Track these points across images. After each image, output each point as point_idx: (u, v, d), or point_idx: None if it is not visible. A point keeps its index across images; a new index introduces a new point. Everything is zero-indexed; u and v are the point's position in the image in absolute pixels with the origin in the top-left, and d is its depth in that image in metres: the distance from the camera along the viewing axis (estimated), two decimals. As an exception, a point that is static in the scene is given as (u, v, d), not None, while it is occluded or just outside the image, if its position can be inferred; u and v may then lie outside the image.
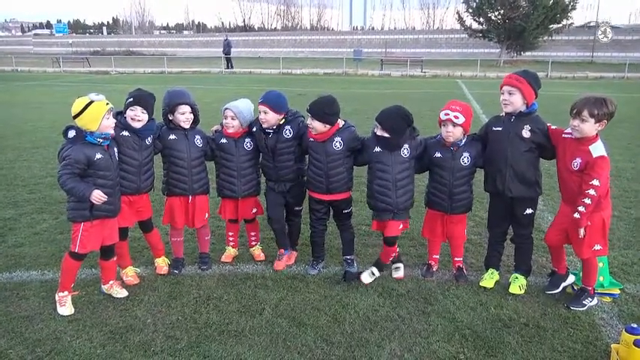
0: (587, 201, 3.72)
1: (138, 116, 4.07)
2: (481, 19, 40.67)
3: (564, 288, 4.27)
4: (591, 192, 3.71)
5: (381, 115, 4.17)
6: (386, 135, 4.13)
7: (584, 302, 4.03)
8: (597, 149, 3.75)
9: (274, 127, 4.40)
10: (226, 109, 4.49)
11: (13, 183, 7.42)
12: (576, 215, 3.78)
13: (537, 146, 4.08)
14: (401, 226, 4.39)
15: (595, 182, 3.70)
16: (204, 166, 4.56)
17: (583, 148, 3.78)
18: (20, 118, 13.59)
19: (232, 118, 4.47)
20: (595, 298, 4.09)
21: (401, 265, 4.63)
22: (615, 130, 10.90)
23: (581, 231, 3.82)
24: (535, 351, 3.48)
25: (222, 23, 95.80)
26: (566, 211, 4.04)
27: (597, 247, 3.91)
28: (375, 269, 4.48)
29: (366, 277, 4.41)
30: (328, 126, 4.24)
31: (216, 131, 4.64)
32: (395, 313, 3.95)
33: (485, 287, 4.35)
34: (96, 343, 3.53)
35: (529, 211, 4.25)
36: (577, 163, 3.80)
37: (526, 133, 4.04)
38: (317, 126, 4.22)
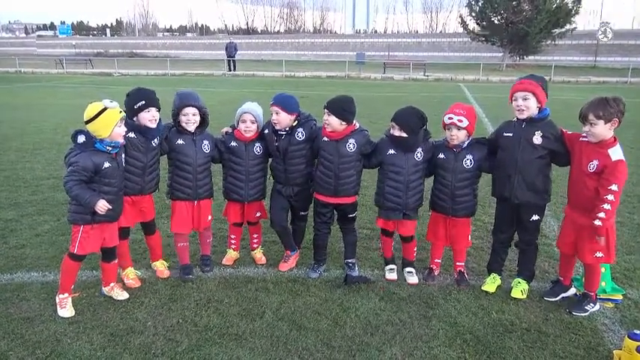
0: (607, 207, 3.66)
1: (155, 116, 4.09)
2: (484, 23, 40.65)
3: (562, 298, 4.25)
4: (610, 197, 3.65)
5: (397, 116, 4.23)
6: (404, 135, 4.17)
7: (586, 308, 4.01)
8: (616, 153, 3.70)
9: (287, 129, 4.40)
10: (245, 112, 4.46)
11: (15, 184, 7.42)
12: (597, 223, 3.69)
13: (549, 152, 4.04)
14: (415, 223, 4.55)
15: (614, 187, 3.65)
16: (209, 171, 4.55)
17: (601, 151, 3.73)
18: (23, 120, 13.61)
19: (252, 122, 4.46)
20: (597, 304, 4.07)
21: (394, 266, 4.66)
22: (618, 134, 10.87)
23: (602, 239, 3.77)
24: (537, 356, 3.47)
25: (226, 26, 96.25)
26: (572, 216, 4.02)
27: (599, 254, 3.88)
28: (409, 269, 4.62)
29: (411, 278, 4.53)
30: (344, 124, 4.25)
31: (226, 133, 4.63)
32: (396, 317, 3.94)
33: (487, 291, 4.34)
34: (96, 346, 3.52)
35: (535, 217, 4.22)
36: (594, 165, 3.74)
37: (537, 139, 4.00)
38: (333, 122, 4.22)
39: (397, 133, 4.22)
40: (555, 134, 4.03)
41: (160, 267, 4.60)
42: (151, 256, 4.66)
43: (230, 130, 4.61)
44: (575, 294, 4.26)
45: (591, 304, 4.04)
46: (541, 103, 4.01)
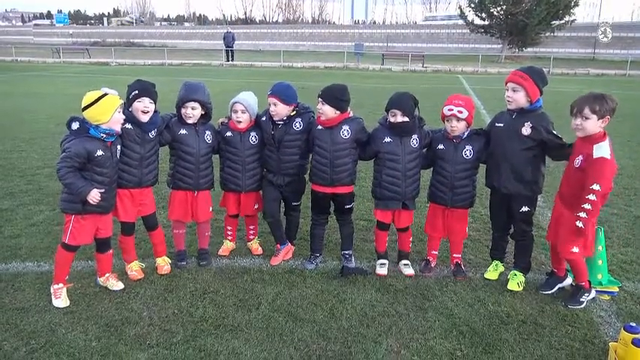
0: (587, 206, 3.61)
1: (147, 107, 4.01)
2: (483, 15, 40.50)
3: (559, 288, 4.24)
4: (591, 197, 3.60)
5: (397, 101, 4.19)
6: (406, 119, 4.16)
7: (581, 300, 3.99)
8: (600, 150, 3.63)
9: (284, 119, 4.38)
10: (235, 102, 4.43)
11: (10, 174, 7.38)
12: (579, 224, 3.65)
13: (540, 144, 4.01)
14: (412, 214, 4.55)
15: (595, 187, 3.58)
16: (211, 162, 4.52)
17: (587, 146, 3.70)
18: (19, 109, 13.54)
19: (243, 112, 4.43)
20: (592, 292, 4.05)
21: (386, 262, 4.60)
22: (616, 127, 10.86)
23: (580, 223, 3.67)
24: (532, 348, 3.47)
25: (224, 15, 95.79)
26: (558, 208, 4.02)
27: (575, 249, 3.85)
28: (405, 261, 4.62)
29: (408, 270, 4.54)
30: (338, 112, 4.23)
31: (222, 123, 4.60)
32: (392, 309, 3.93)
33: (489, 279, 4.38)
34: (91, 336, 3.50)
35: (525, 209, 4.21)
36: (579, 160, 3.73)
37: (526, 130, 3.99)
38: (327, 111, 4.21)
39: (400, 118, 4.17)
40: (545, 126, 3.98)
41: (162, 263, 4.52)
42: (155, 252, 4.57)
43: (226, 121, 4.58)
44: (572, 284, 4.25)
45: (586, 294, 4.01)
46: (531, 97, 3.98)
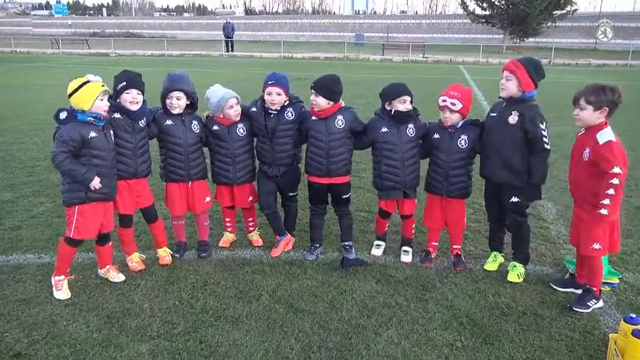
0: (611, 191, 3.55)
1: (135, 98, 4.00)
2: (484, 5, 40.29)
3: (570, 293, 4.11)
4: (614, 181, 3.52)
5: (405, 89, 4.26)
6: (410, 107, 4.27)
7: (588, 304, 3.83)
8: (604, 135, 3.61)
9: (277, 109, 4.37)
10: (230, 98, 4.37)
11: (10, 165, 7.38)
12: (603, 212, 3.57)
13: (526, 134, 3.94)
14: (415, 201, 4.62)
15: (616, 169, 3.51)
16: (201, 152, 4.51)
17: (591, 136, 3.67)
18: (18, 100, 13.50)
19: (237, 104, 4.42)
20: (601, 302, 3.88)
21: (383, 243, 4.78)
22: (616, 117, 10.80)
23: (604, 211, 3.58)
24: (532, 339, 3.48)
25: (223, 6, 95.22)
26: (575, 211, 3.97)
27: (596, 245, 3.74)
28: (406, 247, 4.71)
29: (405, 257, 4.63)
30: (331, 103, 4.25)
31: (207, 117, 4.57)
32: (392, 300, 3.94)
33: (488, 270, 4.39)
34: (92, 327, 3.52)
35: (515, 199, 4.16)
36: (586, 153, 3.67)
37: (513, 119, 3.97)
38: (320, 102, 4.23)
39: (409, 105, 4.26)
40: (532, 116, 3.92)
41: (163, 254, 4.54)
42: (155, 243, 4.58)
43: (211, 114, 4.53)
44: (570, 273, 4.21)
45: (594, 300, 3.84)
46: (523, 86, 3.95)
